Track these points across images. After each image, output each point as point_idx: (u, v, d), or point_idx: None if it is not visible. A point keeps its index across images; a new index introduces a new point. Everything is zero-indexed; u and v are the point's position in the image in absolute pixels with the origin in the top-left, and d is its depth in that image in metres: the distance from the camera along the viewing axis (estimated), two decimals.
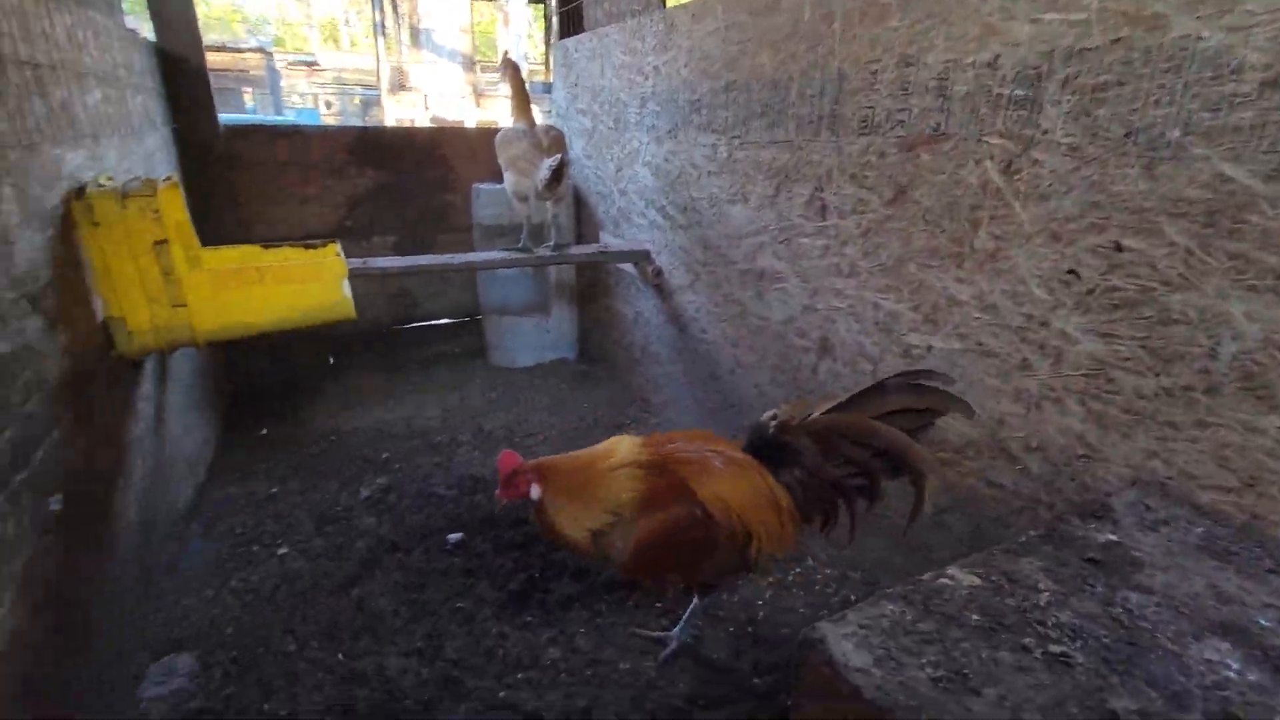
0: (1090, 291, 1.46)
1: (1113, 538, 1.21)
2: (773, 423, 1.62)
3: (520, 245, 3.25)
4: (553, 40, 4.47)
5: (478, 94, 14.14)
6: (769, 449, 1.63)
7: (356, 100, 13.95)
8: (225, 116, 3.53)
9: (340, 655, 1.83)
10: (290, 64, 14.13)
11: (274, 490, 2.70)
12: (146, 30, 3.10)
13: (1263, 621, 0.99)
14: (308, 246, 2.21)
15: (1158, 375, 1.37)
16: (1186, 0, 1.24)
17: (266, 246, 2.17)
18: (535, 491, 1.61)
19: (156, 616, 1.98)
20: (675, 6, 2.98)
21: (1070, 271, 1.49)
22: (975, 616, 1.01)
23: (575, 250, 3.39)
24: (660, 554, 1.56)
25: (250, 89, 10.58)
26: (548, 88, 5.13)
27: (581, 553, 1.61)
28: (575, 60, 3.88)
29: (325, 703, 1.67)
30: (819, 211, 2.17)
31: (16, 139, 1.49)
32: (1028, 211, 1.56)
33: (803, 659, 0.96)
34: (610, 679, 1.80)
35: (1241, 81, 1.19)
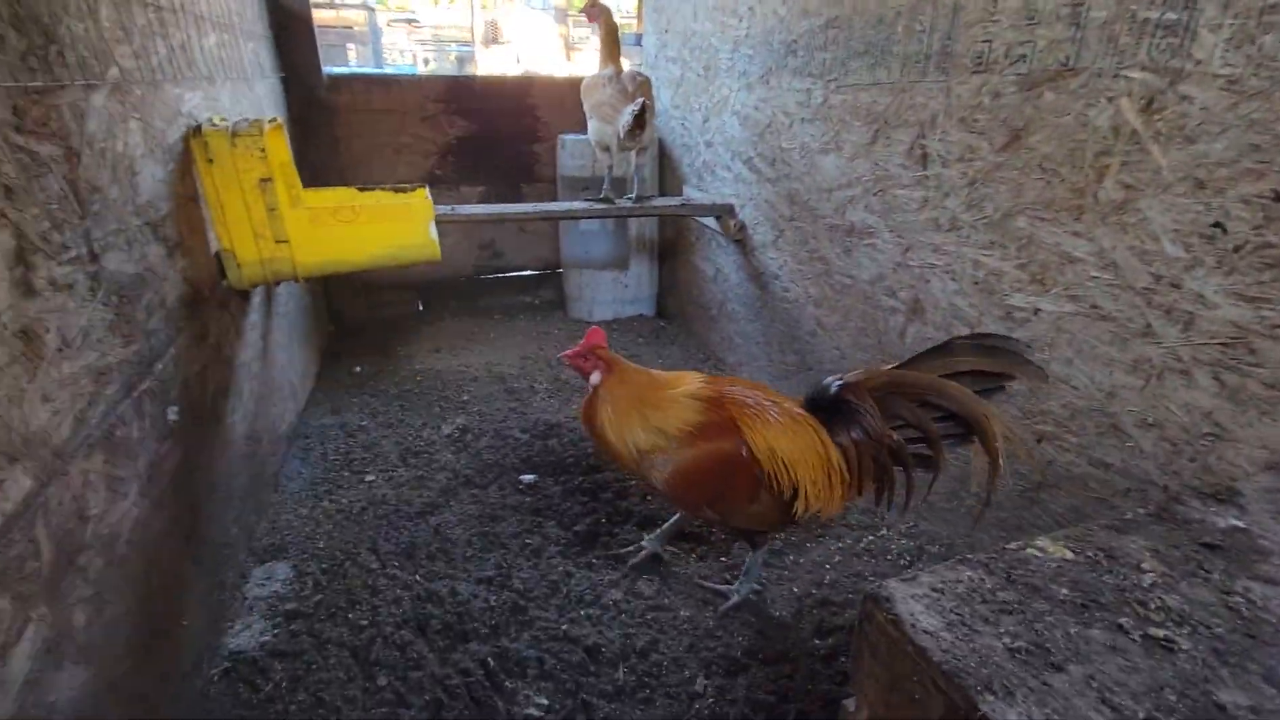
0: (1238, 249, 1.28)
1: (1237, 523, 1.07)
2: (837, 382, 1.58)
3: (602, 196, 3.23)
4: None
5: (569, 47, 14.06)
6: (829, 408, 1.60)
7: (452, 57, 14.20)
8: (327, 69, 3.67)
9: (417, 575, 1.95)
10: (391, 21, 14.53)
11: (364, 422, 2.88)
12: None
13: None
14: (398, 190, 2.30)
15: None
16: None
17: (362, 189, 2.27)
18: (596, 378, 1.67)
19: (261, 526, 2.18)
20: None
21: (1215, 225, 1.31)
22: (1064, 590, 0.93)
23: (657, 202, 3.34)
24: (700, 481, 1.60)
25: (353, 45, 10.99)
26: (639, 39, 5.00)
27: (613, 456, 1.68)
28: (667, 3, 3.75)
29: (402, 616, 1.79)
30: (919, 160, 2.00)
31: (141, 76, 1.60)
32: (1168, 156, 1.37)
33: (866, 614, 0.92)
34: (669, 625, 1.82)
35: None
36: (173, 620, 1.48)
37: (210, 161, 1.91)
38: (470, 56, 13.68)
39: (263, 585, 1.94)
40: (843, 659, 1.70)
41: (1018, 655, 0.83)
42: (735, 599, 1.87)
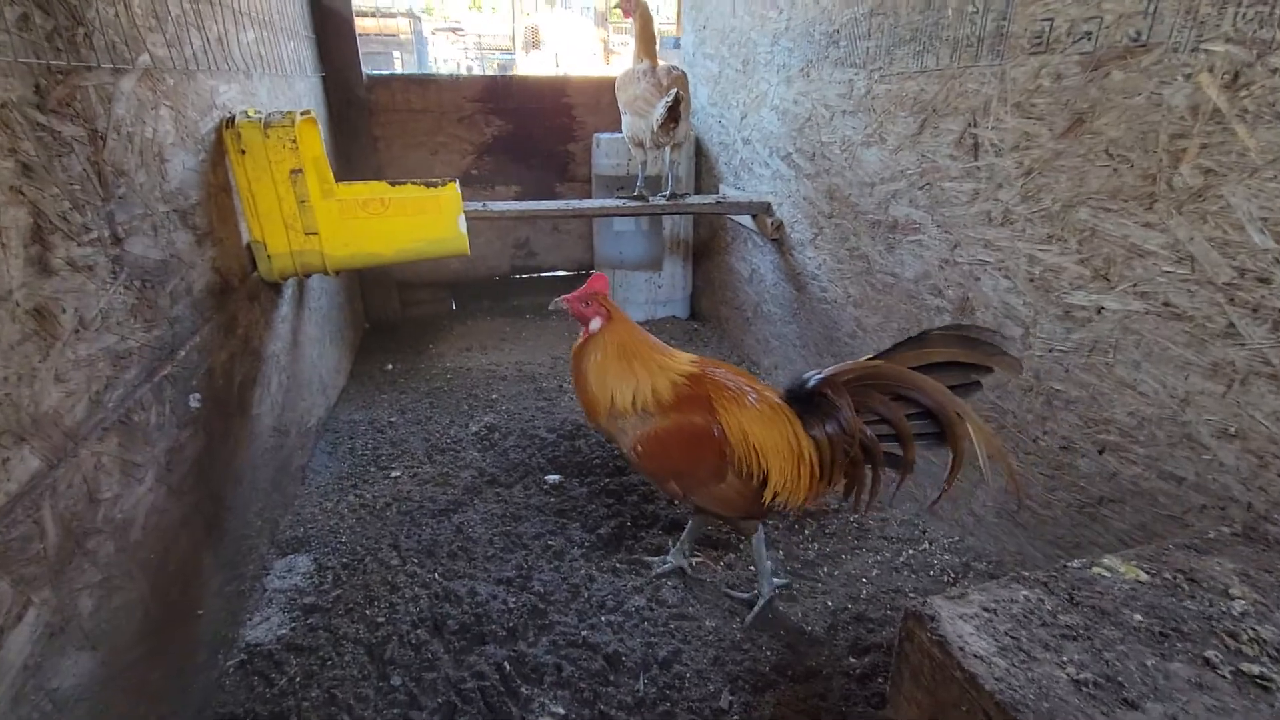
0: None
1: None
2: (816, 376, 1.59)
3: (635, 193, 3.17)
4: None
5: (607, 50, 14.13)
6: (805, 400, 1.60)
7: (495, 65, 14.44)
8: (368, 70, 3.72)
9: (436, 574, 1.91)
10: (436, 29, 14.85)
11: (393, 419, 2.87)
12: None
13: None
14: (428, 185, 2.28)
15: None
16: None
17: (393, 184, 2.26)
18: (596, 325, 1.65)
19: (285, 518, 2.17)
20: None
21: None
22: (1138, 616, 0.82)
23: (692, 200, 3.26)
24: (668, 452, 1.58)
25: (399, 53, 11.25)
26: (677, 42, 4.95)
27: (587, 403, 1.67)
28: (705, 0, 3.68)
29: (419, 615, 1.75)
30: (970, 150, 1.88)
31: (174, 65, 1.61)
32: (1256, 137, 1.23)
33: (908, 633, 0.82)
34: (694, 635, 1.73)
35: None
36: (188, 610, 1.47)
37: (243, 152, 1.92)
38: (511, 63, 13.88)
39: (283, 578, 1.92)
40: (879, 680, 1.59)
41: (1084, 688, 0.72)
42: (760, 602, 1.79)
